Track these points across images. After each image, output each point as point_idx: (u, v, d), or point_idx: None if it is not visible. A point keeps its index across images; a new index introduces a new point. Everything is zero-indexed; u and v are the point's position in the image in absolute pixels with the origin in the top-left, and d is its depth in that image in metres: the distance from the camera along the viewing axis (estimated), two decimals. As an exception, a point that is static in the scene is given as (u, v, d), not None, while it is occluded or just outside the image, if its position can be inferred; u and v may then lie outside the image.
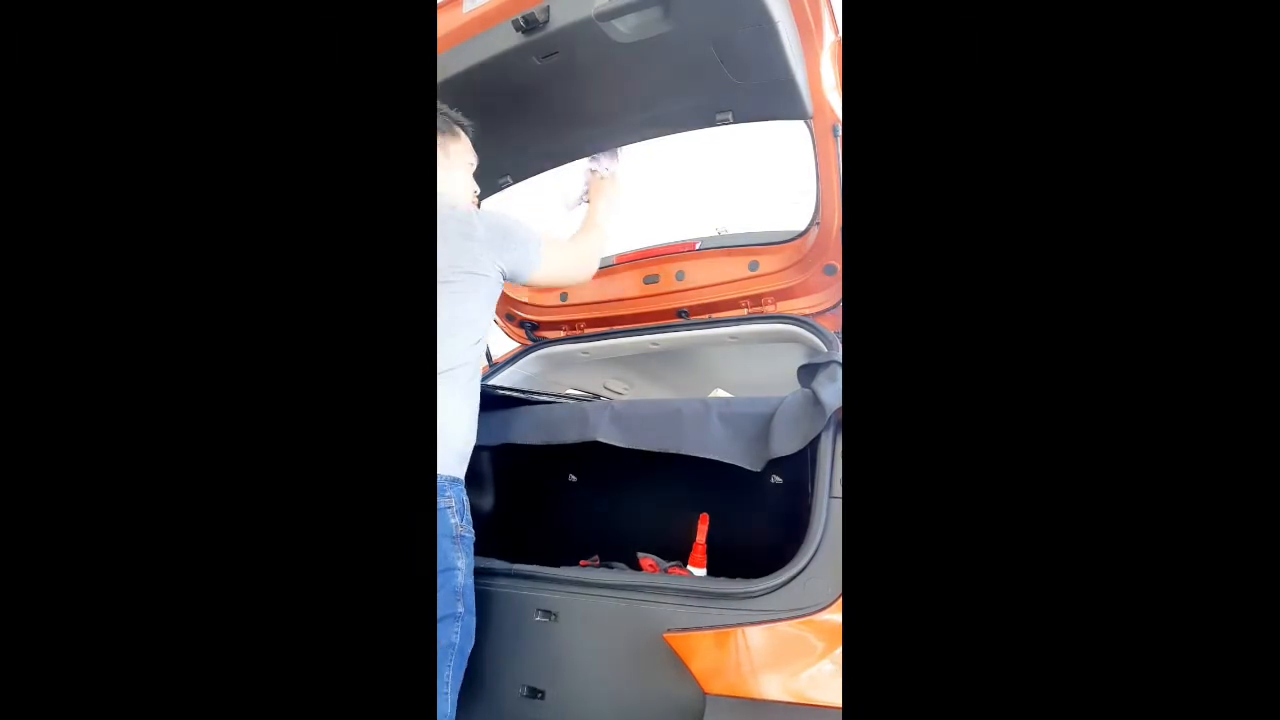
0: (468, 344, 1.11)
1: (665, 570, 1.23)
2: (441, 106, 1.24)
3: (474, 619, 1.04)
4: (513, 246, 1.16)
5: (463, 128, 1.27)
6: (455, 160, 1.25)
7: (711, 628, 0.91)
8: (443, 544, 1.00)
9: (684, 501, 1.52)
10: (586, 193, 1.47)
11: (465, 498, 1.07)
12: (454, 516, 1.03)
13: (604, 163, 1.45)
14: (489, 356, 1.74)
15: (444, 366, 1.05)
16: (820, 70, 1.23)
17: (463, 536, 1.04)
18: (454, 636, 0.99)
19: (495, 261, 1.14)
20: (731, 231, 1.77)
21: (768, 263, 1.63)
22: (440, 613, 0.97)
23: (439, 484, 1.02)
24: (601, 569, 1.28)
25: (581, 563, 1.30)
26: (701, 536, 1.27)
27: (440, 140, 1.22)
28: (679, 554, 1.29)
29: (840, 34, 1.22)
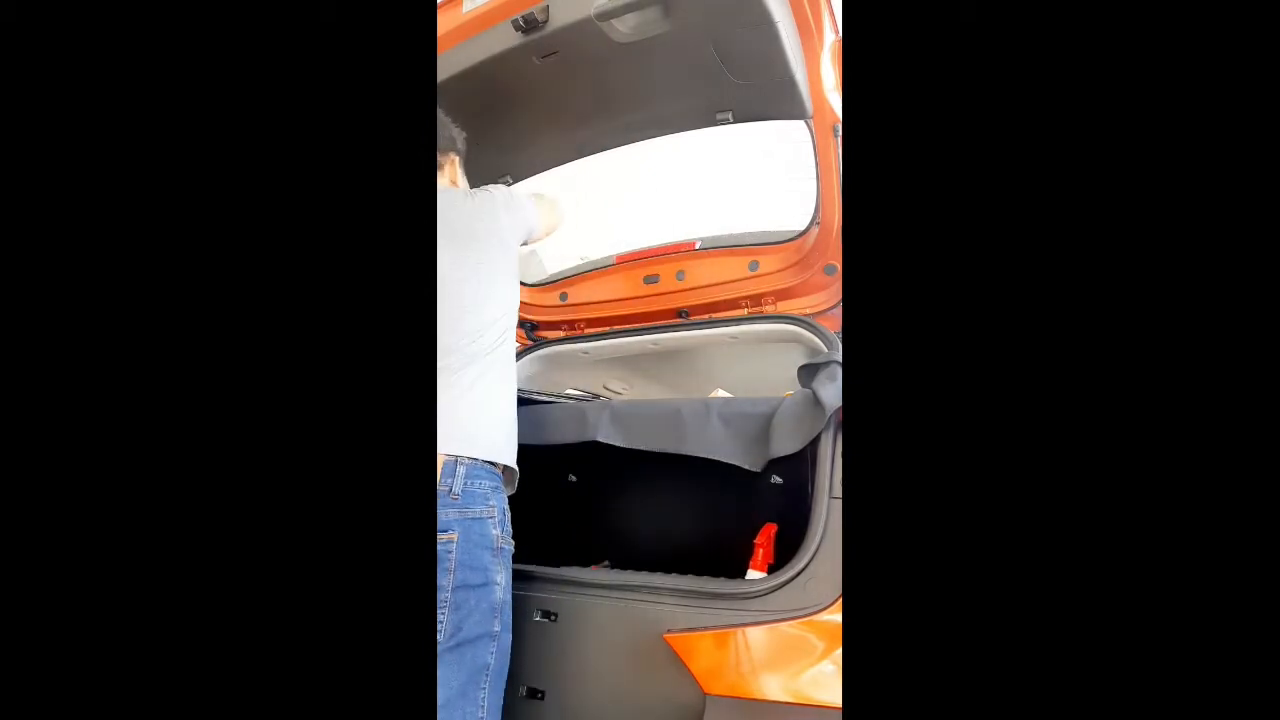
0: (500, 315, 1.09)
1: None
2: (451, 125, 1.27)
3: (510, 637, 0.98)
4: (520, 209, 1.20)
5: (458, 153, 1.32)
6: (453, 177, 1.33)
7: (711, 628, 0.91)
8: (481, 556, 0.94)
9: (684, 502, 1.52)
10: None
11: (507, 506, 1.02)
12: (495, 528, 0.97)
13: None
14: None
15: (478, 346, 1.03)
16: (820, 70, 1.23)
17: (503, 549, 0.99)
18: (489, 657, 0.93)
19: (515, 227, 1.17)
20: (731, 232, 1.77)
21: (768, 263, 1.63)
22: (475, 631, 0.92)
23: (479, 489, 0.97)
24: (601, 570, 1.28)
25: (593, 567, 1.29)
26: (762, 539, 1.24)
27: (450, 159, 1.26)
28: (679, 553, 1.29)
29: (840, 34, 1.22)
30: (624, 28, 1.15)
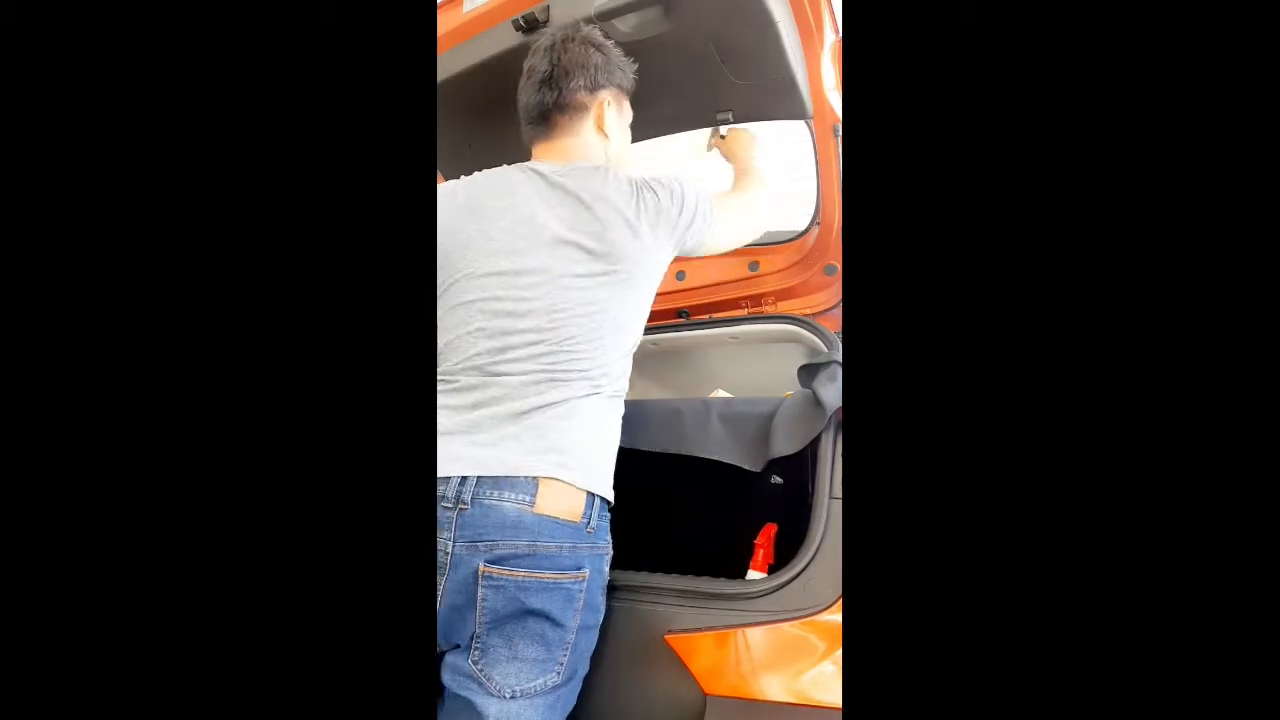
0: (627, 349, 0.95)
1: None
2: (624, 59, 1.08)
3: None
4: (692, 218, 0.98)
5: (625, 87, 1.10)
6: (627, 119, 1.12)
7: (712, 628, 0.91)
8: (599, 597, 0.90)
9: (684, 502, 1.52)
10: (715, 135, 1.33)
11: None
12: (608, 565, 0.92)
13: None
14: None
15: (607, 377, 0.92)
16: (820, 70, 1.24)
17: (607, 587, 0.93)
18: (576, 696, 0.90)
19: (672, 240, 0.97)
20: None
21: (768, 263, 1.63)
22: (581, 673, 0.89)
23: (604, 524, 0.90)
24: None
25: None
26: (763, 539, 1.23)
27: (618, 96, 1.08)
28: (679, 553, 1.29)
29: (840, 34, 1.22)
30: (624, 27, 1.15)
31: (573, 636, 0.85)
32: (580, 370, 0.89)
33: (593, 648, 0.91)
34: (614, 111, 1.07)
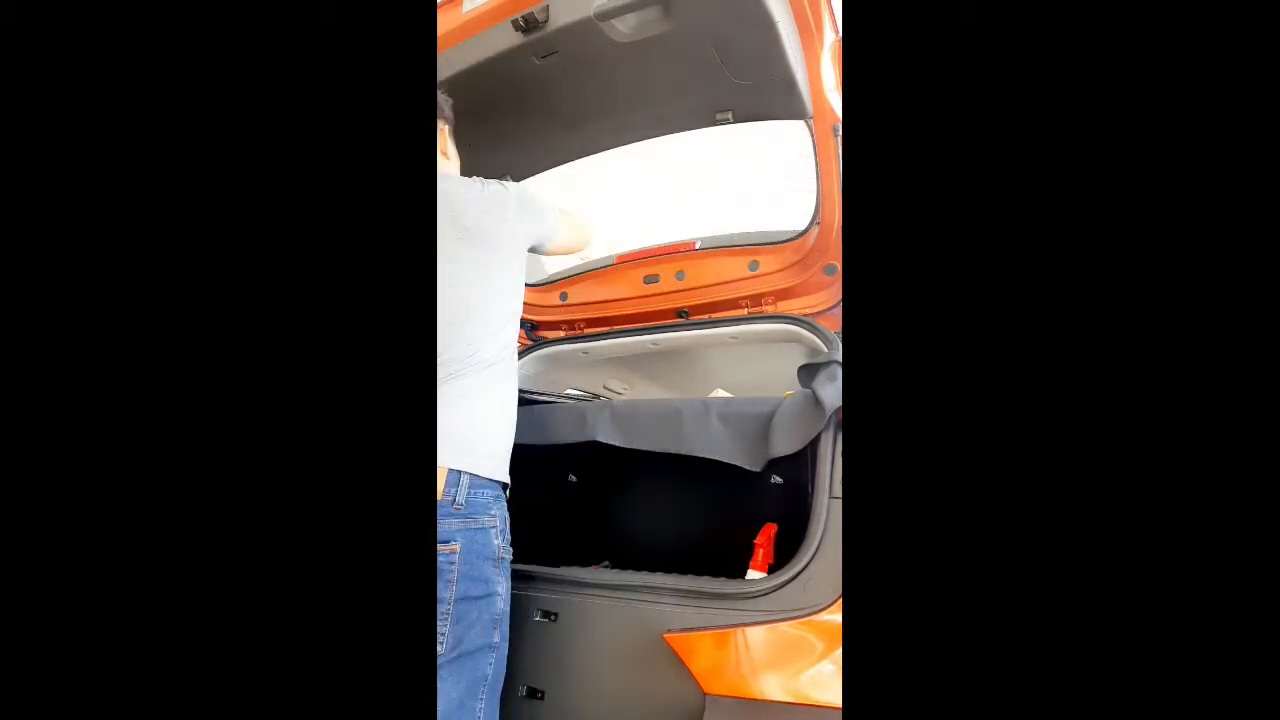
0: (502, 322, 1.05)
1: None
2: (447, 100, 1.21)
3: (508, 647, 0.97)
4: (539, 214, 1.13)
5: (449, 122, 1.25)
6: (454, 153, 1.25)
7: (711, 628, 0.91)
8: (483, 568, 0.93)
9: (684, 502, 1.52)
10: None
11: (508, 514, 1.00)
12: (497, 537, 0.96)
13: None
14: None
15: (482, 356, 0.99)
16: (820, 70, 1.24)
17: (503, 559, 0.97)
18: (488, 668, 0.92)
19: (527, 232, 1.11)
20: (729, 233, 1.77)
21: (768, 263, 1.63)
22: (475, 644, 0.91)
23: (482, 499, 0.95)
24: (601, 570, 1.28)
25: (593, 567, 1.29)
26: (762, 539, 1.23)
27: (449, 128, 1.21)
28: (679, 553, 1.29)
29: (840, 34, 1.22)
30: (624, 28, 1.16)
31: (450, 608, 0.88)
32: (447, 354, 0.95)
33: (492, 619, 0.93)
34: (450, 139, 1.20)
